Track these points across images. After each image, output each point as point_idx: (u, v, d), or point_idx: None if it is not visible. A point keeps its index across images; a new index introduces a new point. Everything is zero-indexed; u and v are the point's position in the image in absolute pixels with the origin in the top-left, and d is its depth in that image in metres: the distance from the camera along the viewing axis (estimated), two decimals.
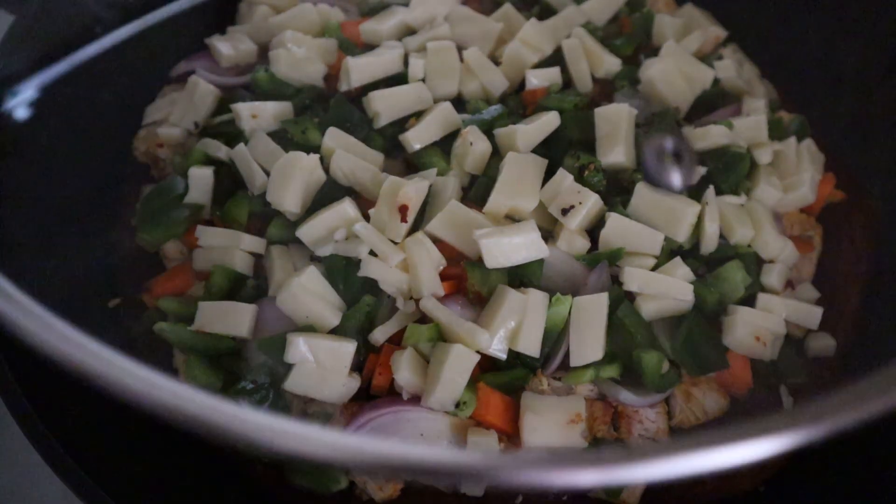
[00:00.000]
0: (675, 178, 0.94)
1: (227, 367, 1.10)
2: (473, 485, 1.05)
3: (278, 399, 1.08)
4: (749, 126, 1.22)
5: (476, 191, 1.17)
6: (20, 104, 1.16)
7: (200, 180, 1.18)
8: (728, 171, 1.17)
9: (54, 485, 0.98)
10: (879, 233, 1.26)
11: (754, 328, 1.10)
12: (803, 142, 1.26)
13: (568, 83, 1.28)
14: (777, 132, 1.25)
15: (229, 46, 1.31)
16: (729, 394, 1.12)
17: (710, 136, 1.19)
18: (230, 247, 1.14)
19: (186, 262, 1.20)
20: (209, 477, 1.12)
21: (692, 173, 0.90)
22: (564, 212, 1.10)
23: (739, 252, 1.15)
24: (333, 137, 1.16)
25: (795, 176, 1.21)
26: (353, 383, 1.06)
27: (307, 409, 1.09)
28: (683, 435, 1.10)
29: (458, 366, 1.02)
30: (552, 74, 1.26)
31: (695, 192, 1.16)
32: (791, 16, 1.41)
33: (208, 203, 1.19)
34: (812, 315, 1.15)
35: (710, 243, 1.13)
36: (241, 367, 1.10)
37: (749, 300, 1.14)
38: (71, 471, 0.95)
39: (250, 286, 1.14)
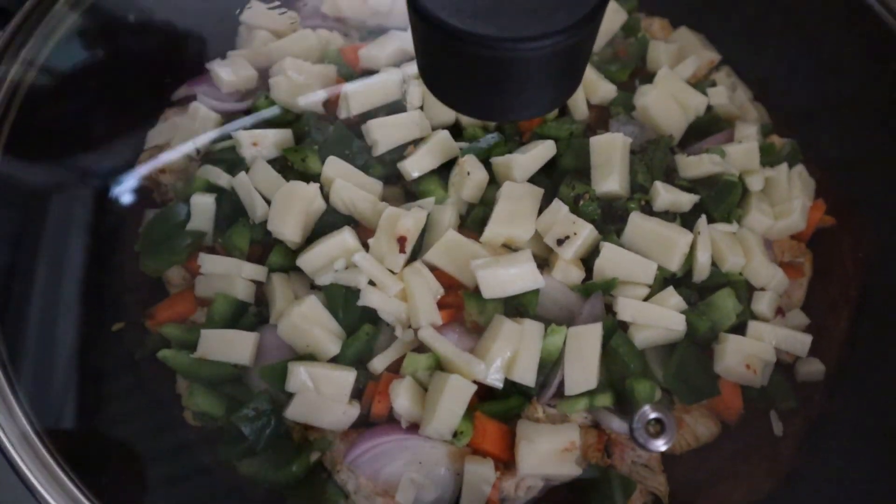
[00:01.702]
0: (660, 445, 1.01)
1: (229, 393, 1.13)
2: None
3: (279, 425, 1.10)
4: (741, 153, 1.24)
5: (473, 219, 1.19)
6: None
7: (202, 208, 1.20)
8: (720, 200, 1.19)
9: None
10: (869, 257, 1.28)
11: (745, 356, 1.13)
12: (795, 167, 1.28)
13: (563, 110, 1.29)
14: (769, 157, 1.27)
15: (230, 72, 1.32)
16: (720, 420, 1.15)
17: (703, 164, 1.21)
18: (232, 274, 1.16)
19: (189, 289, 1.22)
20: (211, 495, 1.15)
21: (673, 436, 1.00)
22: (560, 242, 1.12)
23: (731, 280, 1.17)
24: (333, 166, 1.18)
25: (786, 203, 1.24)
26: (353, 411, 1.08)
27: (308, 435, 1.11)
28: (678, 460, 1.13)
29: (455, 396, 1.04)
30: None
31: (687, 219, 1.18)
32: (784, 39, 1.43)
33: (210, 230, 1.21)
34: (802, 343, 1.17)
35: (702, 272, 1.15)
36: (243, 394, 1.12)
37: (740, 327, 1.16)
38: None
39: (252, 313, 1.17)
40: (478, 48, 0.89)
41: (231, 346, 1.12)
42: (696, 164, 1.21)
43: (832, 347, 1.22)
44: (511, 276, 1.09)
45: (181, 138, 1.28)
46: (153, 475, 1.12)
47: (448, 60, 0.96)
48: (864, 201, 1.31)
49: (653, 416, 0.99)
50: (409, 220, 1.11)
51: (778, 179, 1.25)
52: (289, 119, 1.27)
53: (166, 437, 1.16)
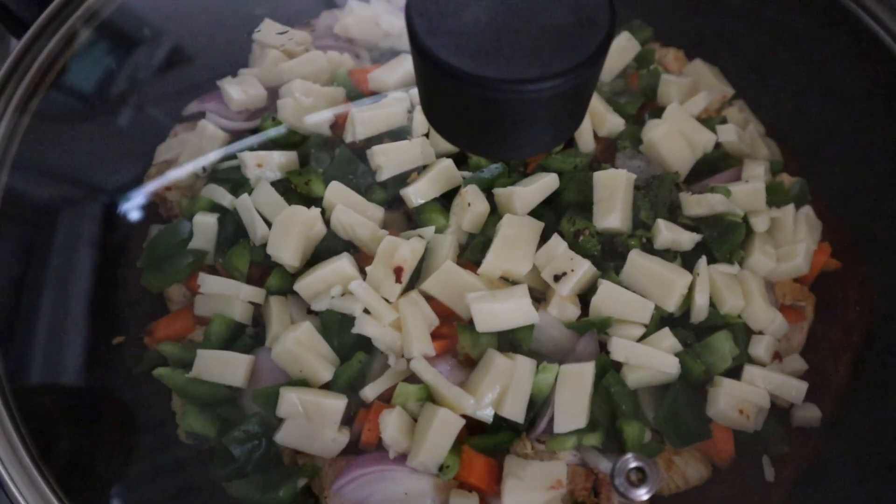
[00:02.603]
0: (641, 494, 1.01)
1: (222, 415, 1.14)
2: None
3: (270, 449, 1.11)
4: (747, 193, 1.23)
5: (473, 248, 1.18)
6: None
7: (205, 227, 1.21)
8: (722, 240, 1.18)
9: None
10: (873, 303, 1.27)
11: (738, 401, 1.12)
12: (802, 209, 1.27)
13: (570, 142, 1.29)
14: (776, 197, 1.26)
15: (240, 91, 1.33)
16: (711, 463, 1.14)
17: (707, 203, 1.20)
18: (230, 296, 1.17)
19: (189, 307, 1.23)
20: None
21: (655, 485, 1.00)
22: (557, 278, 1.12)
23: (729, 322, 1.16)
24: (335, 192, 1.19)
25: (791, 245, 1.22)
26: (343, 439, 1.09)
27: (297, 460, 1.12)
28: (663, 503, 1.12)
29: (443, 430, 1.05)
30: None
31: (688, 258, 1.17)
32: (794, 73, 1.42)
33: (212, 250, 1.22)
34: (797, 389, 1.16)
35: (699, 313, 1.14)
36: (236, 416, 1.13)
37: (736, 370, 1.15)
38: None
39: (248, 335, 1.18)
40: (478, 89, 0.89)
41: (226, 368, 1.13)
42: (699, 203, 1.20)
43: (830, 393, 1.21)
44: (506, 311, 1.09)
45: (189, 155, 1.30)
46: (145, 491, 1.14)
47: (449, 98, 0.97)
48: (872, 244, 1.30)
49: (634, 464, 0.99)
50: (406, 250, 1.11)
51: (784, 221, 1.24)
52: (295, 140, 1.28)
53: (159, 453, 1.18)
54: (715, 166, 1.30)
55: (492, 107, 0.93)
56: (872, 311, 1.26)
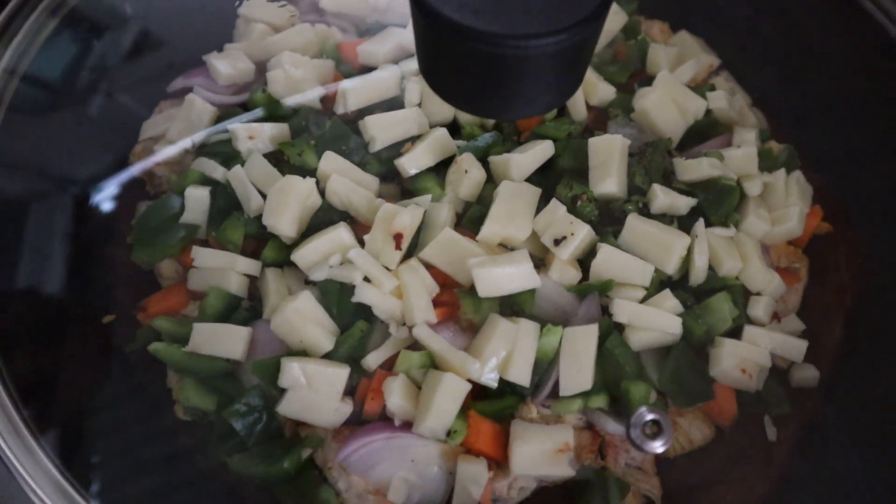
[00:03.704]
0: (657, 447, 1.02)
1: (221, 388, 1.12)
2: None
3: (271, 422, 1.09)
4: (739, 158, 1.24)
5: (470, 217, 1.18)
6: None
7: (197, 201, 1.19)
8: (718, 204, 1.19)
9: None
10: (864, 265, 1.28)
11: (740, 360, 1.12)
12: (792, 174, 1.28)
13: (562, 110, 1.29)
14: (767, 163, 1.27)
15: (227, 65, 1.31)
16: (714, 424, 1.14)
17: (702, 168, 1.20)
18: (225, 268, 1.15)
19: (181, 282, 1.21)
20: (200, 492, 1.13)
21: (670, 438, 1.02)
22: (557, 242, 1.12)
23: (727, 284, 1.16)
24: (329, 162, 1.17)
25: (784, 209, 1.23)
26: (346, 408, 1.07)
27: (299, 432, 1.10)
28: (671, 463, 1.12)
29: (449, 395, 1.03)
30: None
31: (684, 222, 1.18)
32: (779, 43, 1.43)
33: (204, 223, 1.20)
34: (797, 348, 1.17)
35: (698, 276, 1.15)
36: (235, 389, 1.11)
37: (736, 332, 1.16)
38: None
39: (245, 308, 1.16)
40: (480, 45, 0.89)
41: (223, 341, 1.10)
42: (694, 168, 1.21)
43: (826, 353, 1.21)
44: (508, 276, 1.08)
45: (177, 130, 1.27)
46: (142, 469, 1.11)
47: (449, 57, 0.96)
48: (860, 208, 1.31)
49: (649, 417, 0.99)
50: (405, 217, 1.10)
51: (775, 185, 1.25)
52: (285, 114, 1.26)
53: (156, 431, 1.15)
54: (705, 133, 1.31)
55: (494, 64, 0.92)
56: (863, 273, 1.28)
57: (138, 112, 1.36)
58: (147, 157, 1.29)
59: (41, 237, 1.24)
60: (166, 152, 1.26)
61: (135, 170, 1.29)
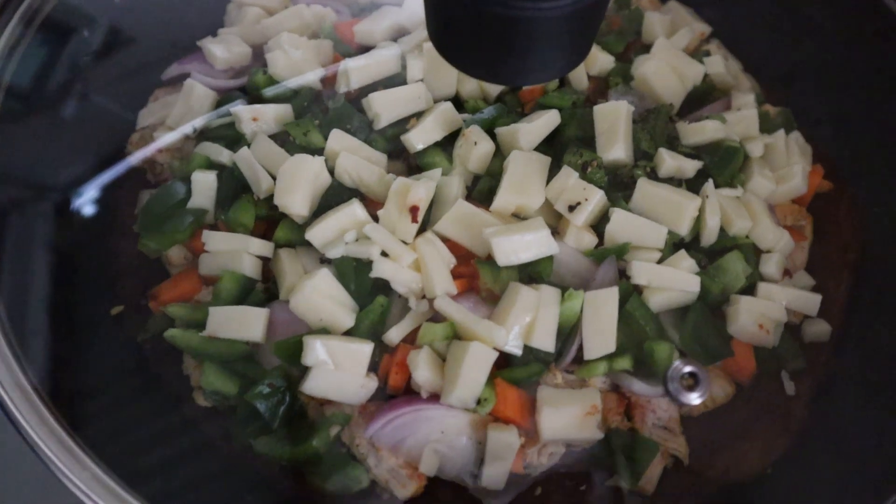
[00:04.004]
0: (694, 398, 1.05)
1: (241, 371, 1.10)
2: (497, 478, 1.06)
3: (295, 402, 1.08)
4: (740, 120, 1.25)
5: (480, 190, 1.18)
6: None
7: (204, 185, 1.17)
8: (723, 165, 1.20)
9: None
10: (864, 222, 1.30)
11: (757, 316, 1.13)
12: (791, 134, 1.30)
13: (563, 81, 1.29)
14: (765, 125, 1.29)
15: (223, 49, 1.30)
16: (734, 381, 1.15)
17: (706, 130, 1.22)
18: (238, 251, 1.13)
19: (191, 268, 1.19)
20: (226, 478, 1.12)
21: (707, 389, 1.04)
22: (571, 208, 1.12)
23: (738, 243, 1.18)
24: (337, 139, 1.17)
25: (787, 168, 1.25)
26: (372, 384, 1.06)
27: (324, 410, 1.09)
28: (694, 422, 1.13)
29: (476, 363, 1.03)
30: None
31: (691, 185, 1.19)
32: (767, 13, 1.45)
33: (212, 208, 1.18)
34: (811, 302, 1.18)
35: (710, 235, 1.16)
36: (256, 372, 1.10)
37: (749, 290, 1.17)
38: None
39: (259, 290, 1.14)
40: (496, 7, 0.88)
41: (242, 323, 1.09)
42: (698, 131, 1.22)
43: (835, 309, 1.23)
44: (526, 243, 1.08)
45: (176, 116, 1.25)
46: (164, 459, 1.09)
47: (463, 23, 0.95)
48: (854, 166, 1.33)
49: (686, 370, 1.00)
50: (420, 189, 1.10)
51: (776, 146, 1.27)
52: (286, 95, 1.25)
53: (177, 420, 1.13)
54: (703, 99, 1.32)
55: (509, 28, 0.92)
56: (863, 229, 1.30)
57: (125, 109, 1.34)
58: (146, 145, 1.27)
59: (39, 235, 1.22)
60: (167, 138, 1.24)
61: (135, 158, 1.26)
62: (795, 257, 1.25)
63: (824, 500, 1.11)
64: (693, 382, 1.00)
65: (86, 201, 1.25)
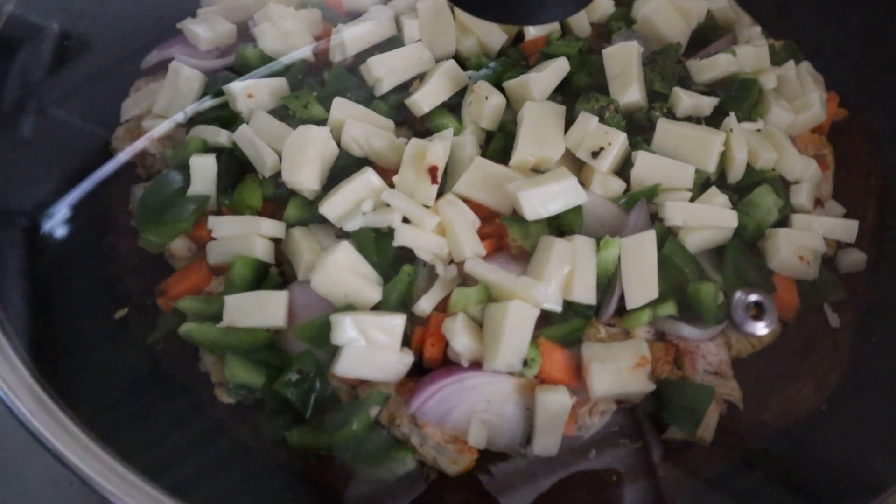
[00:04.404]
0: (761, 328, 1.02)
1: (265, 361, 1.03)
2: (550, 443, 1.00)
3: (326, 387, 1.01)
4: (750, 53, 1.21)
5: (494, 148, 1.12)
6: None
7: (203, 169, 1.10)
8: (741, 99, 1.16)
9: None
10: (880, 148, 1.27)
11: (797, 248, 1.09)
12: (801, 64, 1.27)
13: (564, 30, 1.24)
14: (772, 60, 1.25)
15: (206, 28, 1.23)
16: (779, 318, 1.11)
17: (719, 65, 1.18)
18: (248, 234, 1.06)
19: (197, 260, 1.12)
20: (262, 475, 1.05)
21: (774, 319, 1.02)
22: (594, 154, 1.07)
23: (766, 177, 1.13)
24: (341, 108, 1.10)
25: (803, 97, 1.21)
26: (408, 358, 1.00)
27: (358, 392, 1.03)
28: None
29: (519, 322, 0.97)
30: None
31: (711, 123, 1.14)
32: None
33: (214, 193, 1.11)
34: (849, 228, 1.15)
35: (738, 171, 1.12)
36: (281, 360, 1.03)
37: (781, 224, 1.13)
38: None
39: (275, 274, 1.07)
40: None
41: (261, 309, 1.02)
42: (711, 66, 1.18)
43: (865, 237, 1.19)
44: (553, 194, 1.03)
45: (164, 102, 1.18)
46: (192, 461, 1.02)
47: None
48: (861, 93, 1.30)
49: (752, 298, 0.95)
50: (438, 147, 1.04)
51: (788, 77, 1.23)
52: (279, 70, 1.19)
53: (200, 419, 1.06)
54: (708, 37, 1.28)
55: None
56: (880, 154, 1.27)
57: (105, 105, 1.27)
58: (131, 138, 1.20)
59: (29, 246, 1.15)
60: (157, 127, 1.17)
61: (125, 154, 1.19)
62: (822, 187, 1.21)
63: (882, 430, 1.07)
64: (758, 312, 0.95)
65: (75, 205, 1.17)
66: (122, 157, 1.20)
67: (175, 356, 1.09)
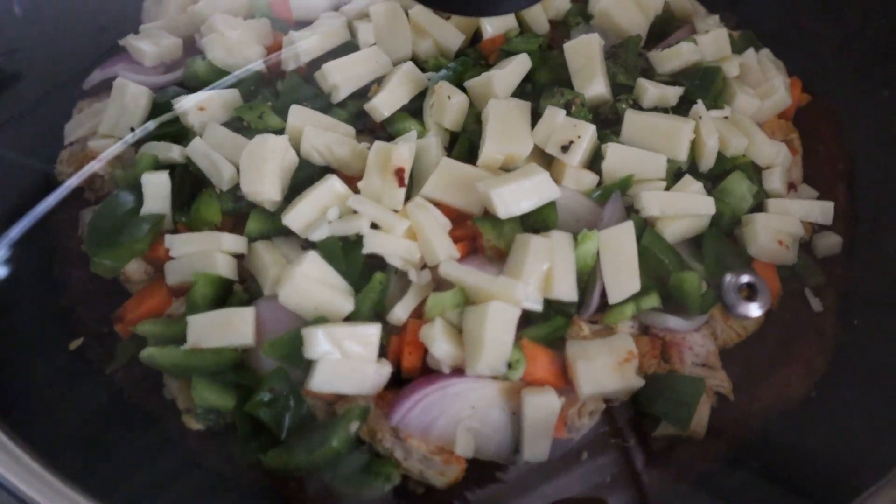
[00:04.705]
0: (754, 309, 1.00)
1: (234, 382, 0.98)
2: (540, 448, 0.96)
3: (300, 406, 0.96)
4: (711, 41, 1.20)
5: (459, 149, 1.09)
6: None
7: (156, 187, 1.04)
8: (706, 87, 1.14)
9: None
10: (843, 131, 1.27)
11: (775, 233, 1.07)
12: (761, 51, 1.26)
13: (522, 28, 1.22)
14: (733, 48, 1.23)
15: (150, 43, 1.18)
16: None
17: (682, 54, 1.16)
18: (208, 251, 1.01)
19: (155, 282, 1.06)
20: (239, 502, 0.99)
21: (768, 300, 1.00)
22: (564, 149, 1.04)
23: (738, 163, 1.12)
24: (298, 115, 1.06)
25: (766, 83, 1.20)
26: (386, 369, 0.95)
27: (335, 409, 0.97)
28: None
29: (500, 324, 0.93)
30: (507, 20, 1.19)
31: (677, 113, 1.12)
32: None
33: (169, 211, 1.05)
34: (825, 210, 1.13)
35: (709, 159, 1.09)
36: (252, 379, 0.97)
37: (756, 210, 1.11)
38: None
39: (240, 291, 1.02)
40: None
41: (227, 328, 0.96)
42: (674, 56, 1.17)
43: (838, 220, 1.18)
44: (525, 190, 0.99)
45: (110, 122, 1.12)
46: (163, 493, 0.96)
47: None
48: (820, 77, 1.30)
49: (744, 280, 0.92)
50: (403, 149, 1.00)
51: (750, 65, 1.22)
52: (230, 82, 1.14)
53: (167, 449, 1.00)
54: (664, 30, 1.27)
55: None
56: (845, 139, 1.26)
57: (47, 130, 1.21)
58: (77, 161, 1.14)
59: None
60: (104, 147, 1.11)
61: (71, 179, 1.13)
62: (792, 172, 1.19)
63: (872, 413, 1.05)
64: (750, 293, 0.92)
65: (20, 238, 1.10)
66: (68, 181, 1.13)
67: (137, 385, 1.03)
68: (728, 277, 0.94)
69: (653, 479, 1.00)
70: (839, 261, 1.15)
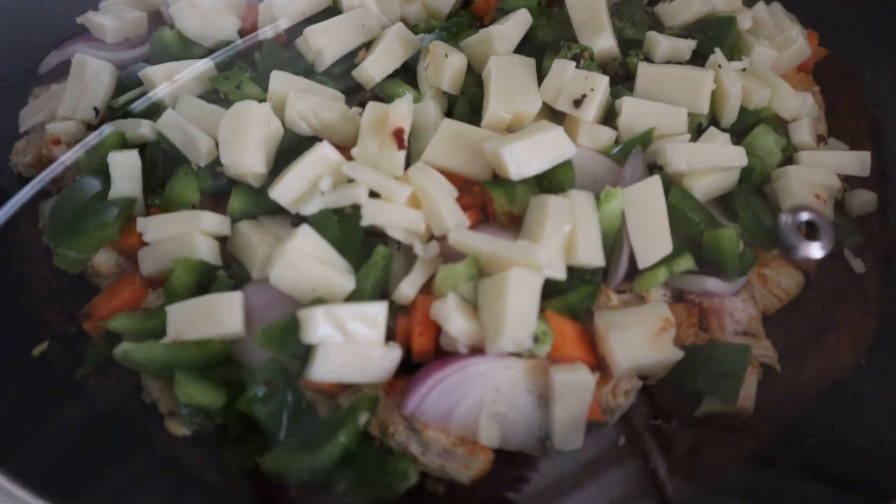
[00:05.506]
0: (816, 249, 0.92)
1: (223, 377, 0.86)
2: (573, 432, 0.85)
3: (299, 400, 0.84)
4: None
5: (459, 114, 0.99)
6: None
7: (125, 167, 0.94)
8: (720, 37, 1.07)
9: None
10: (863, 87, 1.19)
11: (810, 186, 0.98)
12: (772, 4, 1.18)
13: None
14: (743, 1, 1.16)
15: (112, 18, 1.08)
16: (800, 269, 0.99)
17: (692, 5, 1.09)
18: (187, 233, 0.90)
19: (127, 274, 0.95)
20: None
21: (830, 241, 0.93)
22: (577, 103, 0.95)
23: (762, 116, 1.03)
24: (280, 81, 0.96)
25: (782, 34, 1.13)
26: (395, 353, 0.84)
27: (340, 401, 0.86)
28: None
29: (522, 292, 0.82)
30: None
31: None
32: None
33: (140, 194, 0.94)
34: (863, 160, 1.04)
35: (732, 111, 1.01)
36: (243, 374, 0.86)
37: (786, 164, 1.02)
38: None
39: (223, 277, 0.91)
40: None
41: (212, 316, 0.85)
42: (684, 8, 1.09)
43: (868, 178, 1.09)
44: (539, 148, 0.90)
45: (70, 103, 1.02)
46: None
47: None
48: (833, 32, 1.22)
49: (804, 217, 0.82)
50: (401, 107, 0.90)
51: (763, 17, 1.15)
52: (201, 53, 1.04)
53: (148, 457, 0.88)
54: None
55: None
56: (864, 95, 1.18)
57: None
58: (35, 150, 1.02)
59: None
60: (66, 131, 1.00)
61: (27, 169, 1.01)
62: (818, 126, 1.10)
63: None
64: (810, 231, 0.82)
65: None
66: (25, 171, 1.02)
67: (112, 390, 0.91)
68: (784, 217, 0.85)
69: (701, 464, 0.89)
70: (875, 219, 1.07)
